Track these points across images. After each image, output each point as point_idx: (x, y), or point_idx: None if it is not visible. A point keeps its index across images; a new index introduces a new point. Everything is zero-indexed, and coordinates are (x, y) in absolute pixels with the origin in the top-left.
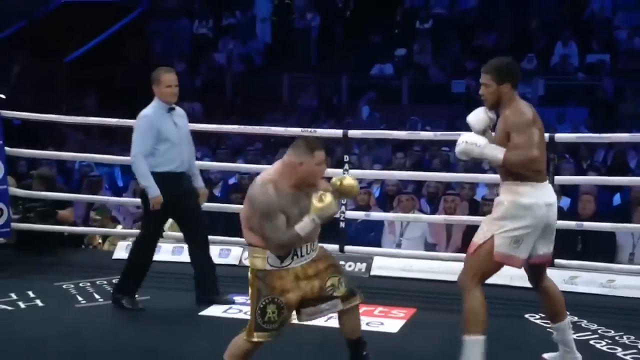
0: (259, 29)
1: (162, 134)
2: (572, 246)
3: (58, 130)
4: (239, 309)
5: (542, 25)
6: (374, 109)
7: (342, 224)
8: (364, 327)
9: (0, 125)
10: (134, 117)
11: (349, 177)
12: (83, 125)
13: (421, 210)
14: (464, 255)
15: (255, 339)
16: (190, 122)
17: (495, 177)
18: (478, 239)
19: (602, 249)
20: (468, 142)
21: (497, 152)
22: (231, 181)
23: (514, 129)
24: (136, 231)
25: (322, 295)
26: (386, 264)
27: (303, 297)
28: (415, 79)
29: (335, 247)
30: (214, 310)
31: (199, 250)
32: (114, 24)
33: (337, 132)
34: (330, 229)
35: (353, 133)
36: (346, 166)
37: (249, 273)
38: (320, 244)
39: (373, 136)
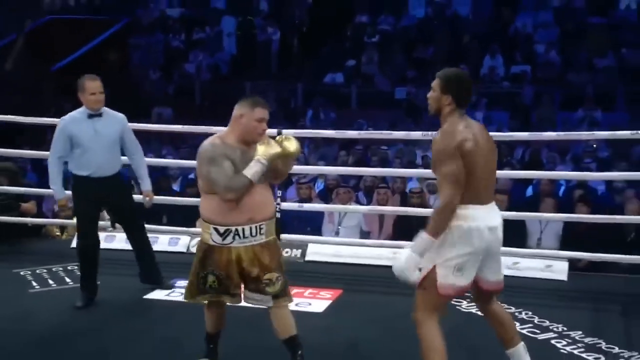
0: (226, 42)
1: (75, 138)
2: None
3: (41, 131)
4: (181, 292)
5: (473, 39)
6: (325, 113)
7: (278, 214)
8: (293, 307)
9: None
10: None
11: (292, 140)
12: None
13: (358, 202)
14: (392, 242)
15: (197, 301)
16: (161, 123)
17: (424, 171)
18: (423, 270)
19: (513, 235)
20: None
21: (425, 243)
22: (190, 176)
23: (437, 158)
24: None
25: (257, 286)
26: (320, 250)
27: (244, 276)
28: (363, 86)
29: None
30: (158, 294)
31: (136, 243)
32: (97, 37)
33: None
34: None
35: (322, 133)
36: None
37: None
38: (275, 237)
39: (346, 136)
